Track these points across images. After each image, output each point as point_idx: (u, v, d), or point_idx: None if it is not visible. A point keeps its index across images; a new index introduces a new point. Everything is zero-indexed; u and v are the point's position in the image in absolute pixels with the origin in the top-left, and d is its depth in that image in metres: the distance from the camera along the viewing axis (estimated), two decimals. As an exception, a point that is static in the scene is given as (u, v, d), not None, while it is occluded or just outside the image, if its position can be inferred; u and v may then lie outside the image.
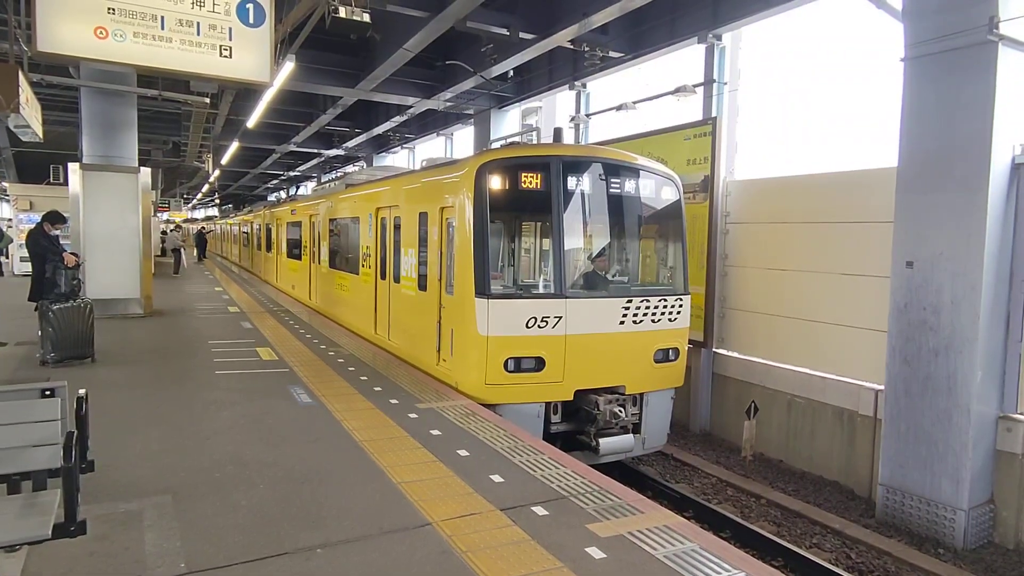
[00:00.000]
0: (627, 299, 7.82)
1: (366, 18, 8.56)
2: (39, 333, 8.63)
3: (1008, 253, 7.12)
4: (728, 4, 11.27)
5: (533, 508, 4.51)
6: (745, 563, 3.89)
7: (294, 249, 18.52)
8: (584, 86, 15.58)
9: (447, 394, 7.62)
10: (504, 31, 12.45)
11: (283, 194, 44.98)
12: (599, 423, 7.62)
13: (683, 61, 13.02)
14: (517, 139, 9.54)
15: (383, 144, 27.09)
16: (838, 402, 8.87)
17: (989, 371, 7.09)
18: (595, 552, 3.91)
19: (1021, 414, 7.18)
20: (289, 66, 11.17)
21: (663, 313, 8.08)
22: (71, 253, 9.46)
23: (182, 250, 26.87)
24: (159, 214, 41.67)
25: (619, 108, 13.78)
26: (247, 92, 17.18)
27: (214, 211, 73.88)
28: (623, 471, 8.61)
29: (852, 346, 8.79)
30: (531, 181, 7.53)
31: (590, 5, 11.23)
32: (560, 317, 7.38)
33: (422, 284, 8.85)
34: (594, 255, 8.19)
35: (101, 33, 7.21)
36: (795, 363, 9.65)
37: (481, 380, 7.34)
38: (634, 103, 13.55)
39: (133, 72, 12.12)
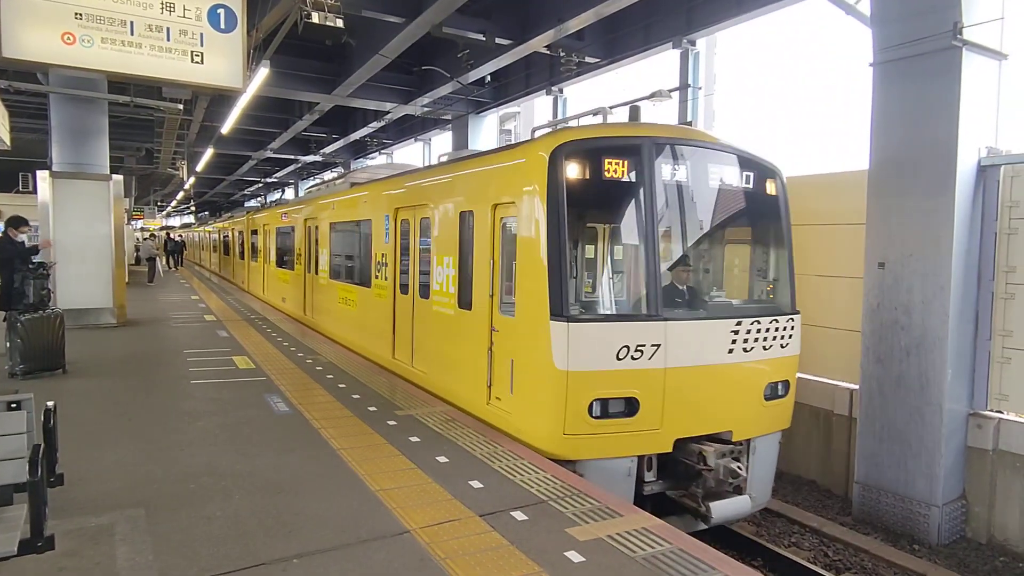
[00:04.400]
0: (736, 321, 6.24)
1: (340, 24, 8.52)
2: (7, 344, 8.45)
3: (976, 254, 7.27)
4: (702, 10, 11.41)
5: (512, 513, 4.50)
6: (723, 563, 3.91)
7: (285, 257, 16.71)
8: (561, 91, 15.66)
9: (427, 401, 7.57)
10: (480, 36, 12.49)
11: (260, 200, 44.55)
12: (708, 482, 6.00)
13: (661, 66, 13.17)
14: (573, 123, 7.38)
15: (361, 150, 26.98)
16: (815, 402, 8.99)
17: (959, 369, 7.23)
18: (574, 556, 3.91)
19: (991, 411, 7.32)
20: (263, 72, 11.09)
21: (775, 338, 6.51)
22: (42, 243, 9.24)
23: (157, 259, 26.47)
24: (133, 222, 41.03)
25: (596, 113, 13.84)
26: (221, 98, 17.00)
27: (190, 219, 72.95)
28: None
29: (826, 346, 8.92)
30: (618, 169, 5.98)
31: (565, 11, 11.31)
32: (658, 345, 5.80)
33: (464, 301, 7.25)
34: (678, 264, 6.60)
35: (68, 39, 7.10)
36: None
37: (557, 429, 5.71)
38: (611, 108, 13.62)
39: (103, 78, 11.94)
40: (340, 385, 8.22)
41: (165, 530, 4.14)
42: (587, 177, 5.96)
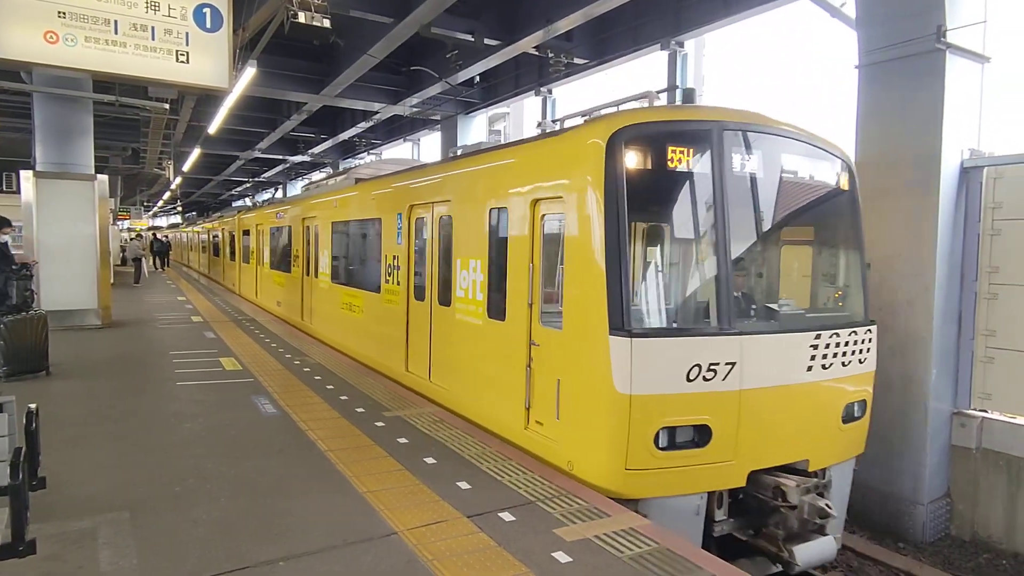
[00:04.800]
0: (815, 334, 5.49)
1: (327, 24, 8.48)
2: (-10, 346, 8.34)
3: (959, 254, 7.36)
4: (689, 12, 11.47)
5: (500, 514, 4.50)
6: (709, 562, 3.93)
7: (281, 259, 15.72)
8: (550, 92, 15.69)
9: (415, 401, 7.55)
10: (469, 37, 12.48)
11: (251, 200, 44.26)
12: (791, 522, 5.24)
13: (650, 67, 13.22)
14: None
15: (349, 150, 26.91)
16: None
17: (943, 369, 7.32)
18: (561, 556, 3.91)
19: (974, 410, 7.41)
20: (250, 71, 11.03)
21: (854, 352, 5.77)
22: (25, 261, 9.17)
23: (143, 259, 26.24)
24: (118, 222, 40.66)
25: (585, 115, 13.88)
26: (208, 98, 16.88)
27: (177, 219, 72.42)
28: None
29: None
30: (683, 158, 5.22)
31: (554, 12, 11.33)
32: (732, 363, 5.06)
33: (495, 310, 6.48)
34: (748, 268, 5.94)
35: (51, 38, 7.03)
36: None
37: (618, 462, 4.94)
38: (600, 109, 13.67)
39: (88, 77, 11.83)
40: (328, 387, 8.18)
41: (150, 533, 4.11)
42: (650, 167, 5.18)
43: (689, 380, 4.94)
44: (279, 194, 39.42)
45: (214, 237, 28.34)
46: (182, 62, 7.74)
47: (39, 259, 11.51)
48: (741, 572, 3.86)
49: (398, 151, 25.13)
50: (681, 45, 11.92)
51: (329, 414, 6.92)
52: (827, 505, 5.15)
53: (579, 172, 5.32)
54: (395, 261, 8.84)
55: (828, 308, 6.44)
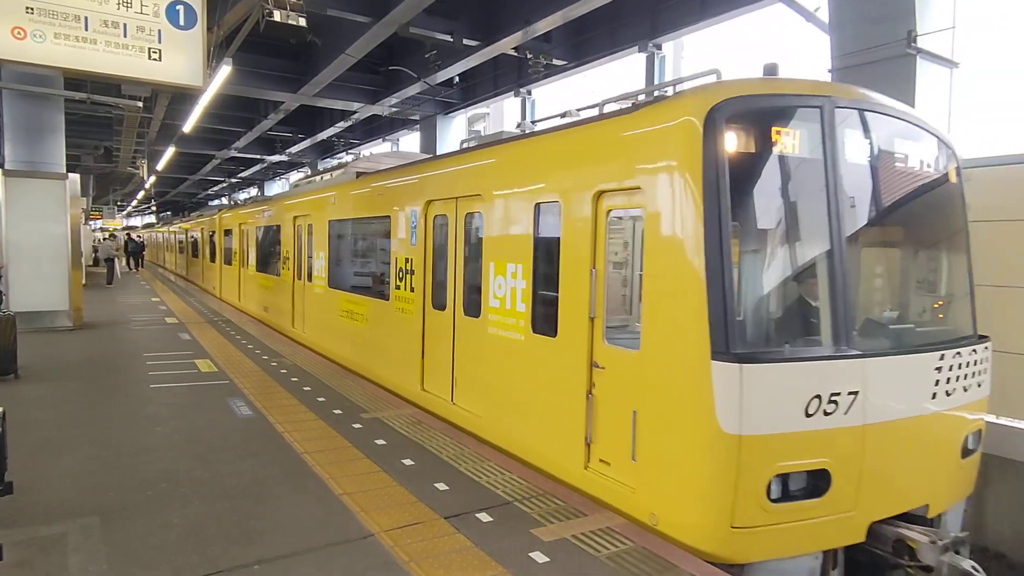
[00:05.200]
0: (939, 354, 4.61)
1: (302, 22, 8.41)
2: (-45, 349, 8.14)
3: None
4: (667, 15, 11.57)
5: (478, 515, 4.49)
6: (685, 561, 3.96)
7: (268, 261, 14.73)
8: (529, 93, 15.73)
9: (393, 403, 7.52)
10: (448, 37, 12.48)
11: (233, 199, 43.70)
12: None
13: (629, 68, 13.31)
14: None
15: (328, 150, 26.73)
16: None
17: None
18: (538, 556, 3.92)
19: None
20: (226, 70, 10.90)
21: (974, 375, 4.92)
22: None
23: (116, 260, 25.80)
24: (91, 222, 39.94)
25: (563, 116, 13.92)
26: (183, 96, 16.66)
27: (152, 219, 71.32)
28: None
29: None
30: (791, 141, 4.33)
31: (533, 13, 11.36)
32: (855, 393, 4.18)
33: (542, 324, 5.52)
34: (866, 276, 5.04)
35: (19, 33, 6.88)
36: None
37: (722, 519, 4.01)
38: (578, 110, 13.72)
39: (58, 74, 11.61)
40: (305, 388, 8.11)
41: (120, 539, 4.04)
42: (754, 151, 4.29)
43: (808, 415, 4.04)
44: (256, 193, 39.01)
45: (192, 237, 27.17)
46: (155, 60, 7.62)
47: (8, 259, 11.28)
48: (720, 572, 3.90)
49: (377, 151, 25.01)
50: (659, 47, 12.03)
51: (306, 416, 6.87)
52: (974, 568, 4.22)
53: (666, 157, 4.37)
54: (408, 264, 7.82)
55: (938, 322, 5.43)
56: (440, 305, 7.18)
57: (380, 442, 6.04)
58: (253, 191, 41.05)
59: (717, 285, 4.00)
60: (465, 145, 7.71)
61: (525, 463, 5.58)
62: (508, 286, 5.92)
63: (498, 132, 7.42)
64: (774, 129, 4.28)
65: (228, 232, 19.24)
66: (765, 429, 3.99)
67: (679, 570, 3.83)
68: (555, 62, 13.64)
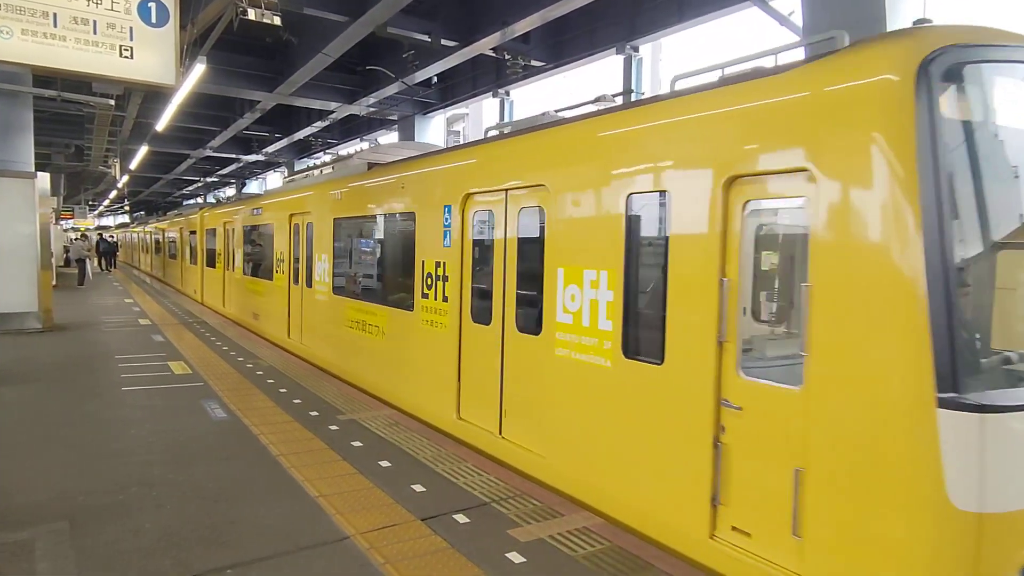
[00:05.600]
0: None
1: (277, 21, 8.33)
2: (-81, 352, 7.95)
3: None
4: (645, 17, 11.66)
5: (454, 516, 4.49)
6: (661, 560, 4.00)
7: (258, 263, 13.68)
8: (508, 94, 15.73)
9: (370, 404, 7.47)
10: (425, 38, 12.44)
11: (200, 199, 43.07)
12: None
13: (608, 70, 13.40)
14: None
15: (305, 149, 26.50)
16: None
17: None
18: (515, 557, 3.93)
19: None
20: (200, 68, 10.76)
21: None
22: None
23: (88, 260, 25.33)
24: (62, 222, 39.17)
25: (541, 116, 13.98)
26: (156, 94, 16.40)
27: (125, 218, 70.14)
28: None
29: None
30: (1017, 107, 3.43)
31: (511, 14, 11.38)
32: None
33: (639, 347, 4.55)
34: None
35: (-15, 29, 6.75)
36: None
37: None
38: (556, 111, 13.79)
39: (27, 71, 11.38)
40: (281, 390, 8.04)
41: (90, 544, 3.97)
42: (983, 118, 3.30)
43: None
44: (232, 192, 38.52)
45: (171, 237, 25.81)
46: (126, 57, 7.49)
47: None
48: (695, 571, 3.94)
49: (384, 142, 24.81)
50: (636, 49, 12.12)
51: (282, 418, 6.81)
52: None
53: (853, 129, 3.28)
54: (439, 270, 6.79)
55: None
56: (482, 318, 6.20)
57: (357, 444, 6.01)
58: (230, 191, 40.56)
59: (941, 306, 2.94)
60: (494, 130, 6.73)
61: (607, 518, 4.59)
62: (586, 298, 4.89)
63: (550, 113, 6.37)
64: (1006, 90, 3.31)
65: (212, 232, 17.97)
66: (1016, 504, 2.98)
67: (655, 569, 3.86)
68: (533, 63, 13.67)
